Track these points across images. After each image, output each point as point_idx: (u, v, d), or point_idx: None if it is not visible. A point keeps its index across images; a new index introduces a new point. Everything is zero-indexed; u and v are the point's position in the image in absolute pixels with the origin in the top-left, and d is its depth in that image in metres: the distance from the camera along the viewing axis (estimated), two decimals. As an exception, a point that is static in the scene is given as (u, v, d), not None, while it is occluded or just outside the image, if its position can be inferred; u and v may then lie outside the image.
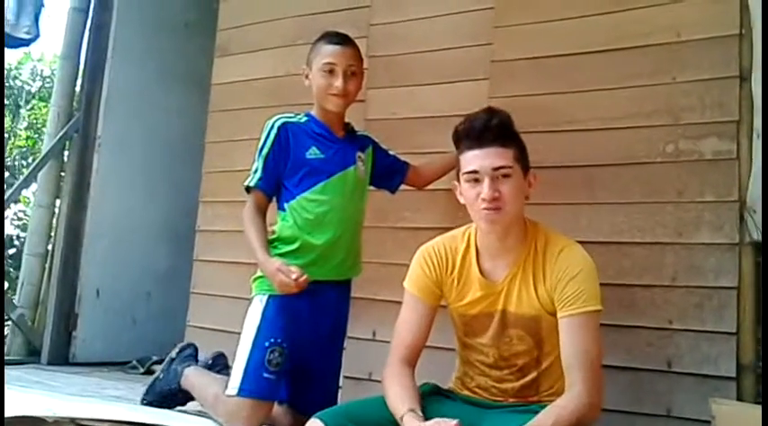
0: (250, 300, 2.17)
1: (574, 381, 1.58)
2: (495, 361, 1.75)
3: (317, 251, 2.14)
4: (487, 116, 1.71)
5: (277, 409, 2.16)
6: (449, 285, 1.77)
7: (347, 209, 2.20)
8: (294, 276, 1.97)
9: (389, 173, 2.37)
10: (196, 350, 2.38)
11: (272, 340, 2.08)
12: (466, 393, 1.81)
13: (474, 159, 1.69)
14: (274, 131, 2.19)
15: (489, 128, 1.69)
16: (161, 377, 2.33)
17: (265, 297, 2.13)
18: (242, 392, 2.04)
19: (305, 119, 2.24)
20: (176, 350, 2.37)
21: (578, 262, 1.68)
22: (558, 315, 1.65)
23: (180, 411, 2.30)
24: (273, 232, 2.19)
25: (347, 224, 2.20)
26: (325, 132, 2.23)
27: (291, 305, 2.11)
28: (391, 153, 2.40)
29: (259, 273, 2.17)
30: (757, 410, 1.71)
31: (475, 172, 1.68)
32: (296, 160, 2.17)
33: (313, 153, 2.18)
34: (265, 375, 2.05)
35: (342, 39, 2.23)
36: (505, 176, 1.67)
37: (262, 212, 2.17)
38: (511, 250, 1.73)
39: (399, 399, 1.62)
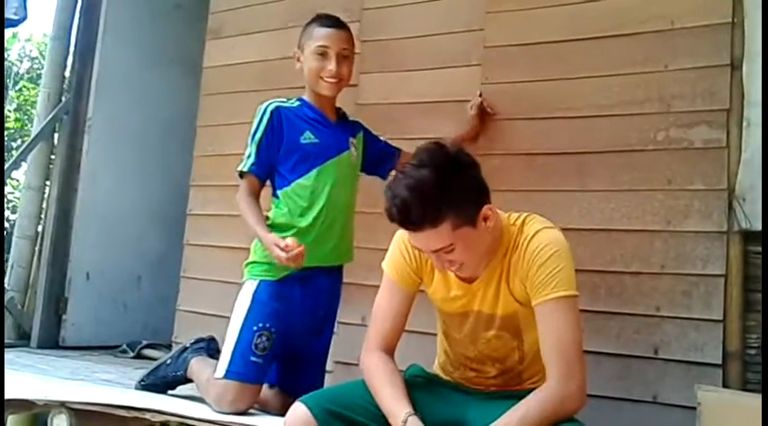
0: (241, 284, 2.17)
1: (550, 372, 1.54)
2: (476, 356, 1.73)
3: (310, 236, 2.14)
4: (393, 209, 1.51)
5: (267, 392, 2.17)
6: (428, 274, 1.73)
7: (341, 195, 2.19)
8: (287, 249, 1.93)
9: (380, 159, 2.36)
10: (209, 344, 2.37)
11: (261, 324, 2.08)
12: (449, 379, 1.81)
13: (413, 240, 1.61)
14: (267, 116, 2.17)
15: (405, 222, 1.54)
16: (168, 362, 2.31)
17: (256, 282, 2.13)
18: (229, 374, 2.05)
19: (297, 103, 2.23)
20: (191, 340, 2.37)
21: (548, 246, 1.59)
22: (532, 303, 1.59)
23: (170, 394, 2.30)
24: (267, 218, 2.19)
25: (340, 209, 2.20)
26: (319, 117, 2.21)
27: (283, 290, 2.12)
28: (382, 139, 2.40)
29: (251, 258, 2.17)
30: (743, 397, 1.74)
31: (420, 249, 1.64)
32: (290, 145, 2.16)
33: (307, 137, 2.17)
34: (252, 358, 2.06)
35: (334, 22, 2.21)
36: (450, 251, 1.55)
37: (255, 196, 2.16)
38: (485, 255, 1.66)
39: (395, 400, 1.58)
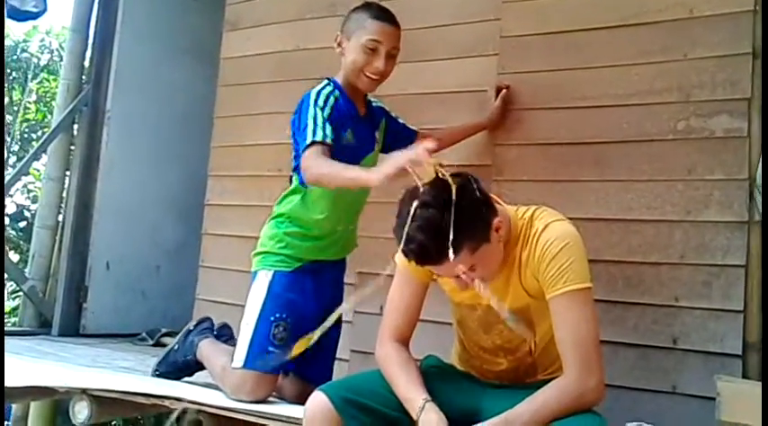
0: (254, 274, 2.17)
1: (567, 366, 1.54)
2: (490, 346, 1.74)
3: (330, 237, 2.15)
4: (411, 254, 1.51)
5: (282, 379, 2.19)
6: None
7: (360, 195, 2.18)
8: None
9: (398, 140, 2.30)
10: (212, 323, 2.39)
11: (278, 315, 2.09)
12: (465, 369, 1.82)
13: (436, 271, 1.61)
14: (332, 100, 2.04)
15: (425, 262, 1.54)
16: (176, 348, 2.34)
17: (271, 273, 2.13)
18: (247, 364, 2.06)
19: (336, 92, 2.08)
20: (194, 322, 2.39)
21: (559, 239, 1.58)
22: (546, 296, 1.59)
23: (187, 381, 2.32)
24: (282, 202, 2.17)
25: (357, 207, 2.20)
26: (354, 111, 2.13)
27: (297, 281, 2.13)
28: (401, 120, 2.36)
29: (262, 248, 2.17)
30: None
31: (443, 276, 1.64)
32: (334, 139, 2.02)
33: (348, 137, 2.07)
34: (270, 349, 2.06)
35: (388, 16, 2.10)
36: (472, 271, 1.56)
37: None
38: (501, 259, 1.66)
39: (411, 388, 1.61)
